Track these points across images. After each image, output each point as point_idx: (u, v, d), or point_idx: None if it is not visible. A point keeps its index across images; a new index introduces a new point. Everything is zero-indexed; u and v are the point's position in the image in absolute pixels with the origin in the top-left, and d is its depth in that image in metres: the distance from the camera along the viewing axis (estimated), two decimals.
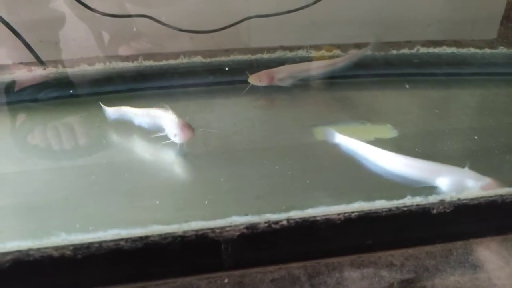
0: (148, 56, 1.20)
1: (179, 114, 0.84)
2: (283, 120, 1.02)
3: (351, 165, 0.82)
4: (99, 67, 1.11)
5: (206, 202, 0.73)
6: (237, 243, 0.64)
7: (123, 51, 1.28)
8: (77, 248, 0.60)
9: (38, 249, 0.60)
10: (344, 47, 1.26)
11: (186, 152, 0.85)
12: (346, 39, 1.30)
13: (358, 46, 1.27)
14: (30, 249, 0.60)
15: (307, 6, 1.22)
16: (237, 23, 1.27)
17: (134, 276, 0.65)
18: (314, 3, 1.23)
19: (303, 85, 1.13)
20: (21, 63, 1.32)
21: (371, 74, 1.19)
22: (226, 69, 1.14)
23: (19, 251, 0.60)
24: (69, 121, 1.00)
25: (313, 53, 1.21)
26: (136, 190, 0.77)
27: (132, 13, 1.25)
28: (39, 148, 0.90)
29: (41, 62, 1.25)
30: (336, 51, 1.22)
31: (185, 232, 0.63)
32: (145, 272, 0.65)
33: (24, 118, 1.02)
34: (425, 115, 1.03)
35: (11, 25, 1.19)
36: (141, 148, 0.90)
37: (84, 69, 1.12)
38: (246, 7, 1.29)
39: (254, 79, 1.05)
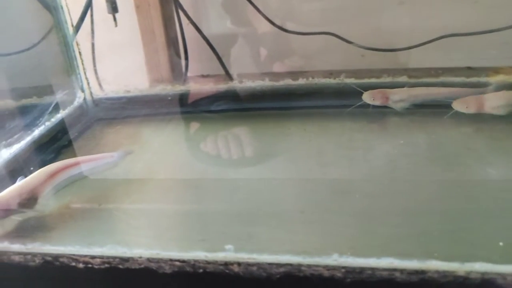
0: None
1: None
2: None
3: None
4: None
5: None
6: None
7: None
8: (349, 271, 0.57)
9: (309, 266, 0.58)
10: None
11: None
12: None
13: None
14: (300, 265, 0.58)
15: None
16: (431, 41, 1.19)
17: None
18: None
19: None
20: (202, 75, 1.42)
21: None
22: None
23: (291, 265, 0.58)
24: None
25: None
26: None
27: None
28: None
29: (229, 76, 1.33)
30: None
31: (467, 273, 0.55)
32: None
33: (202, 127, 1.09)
34: None
35: (209, 41, 1.29)
36: None
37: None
38: (440, 25, 1.20)
39: (367, 97, 1.01)
